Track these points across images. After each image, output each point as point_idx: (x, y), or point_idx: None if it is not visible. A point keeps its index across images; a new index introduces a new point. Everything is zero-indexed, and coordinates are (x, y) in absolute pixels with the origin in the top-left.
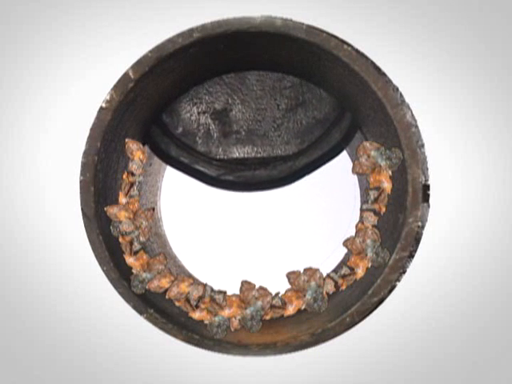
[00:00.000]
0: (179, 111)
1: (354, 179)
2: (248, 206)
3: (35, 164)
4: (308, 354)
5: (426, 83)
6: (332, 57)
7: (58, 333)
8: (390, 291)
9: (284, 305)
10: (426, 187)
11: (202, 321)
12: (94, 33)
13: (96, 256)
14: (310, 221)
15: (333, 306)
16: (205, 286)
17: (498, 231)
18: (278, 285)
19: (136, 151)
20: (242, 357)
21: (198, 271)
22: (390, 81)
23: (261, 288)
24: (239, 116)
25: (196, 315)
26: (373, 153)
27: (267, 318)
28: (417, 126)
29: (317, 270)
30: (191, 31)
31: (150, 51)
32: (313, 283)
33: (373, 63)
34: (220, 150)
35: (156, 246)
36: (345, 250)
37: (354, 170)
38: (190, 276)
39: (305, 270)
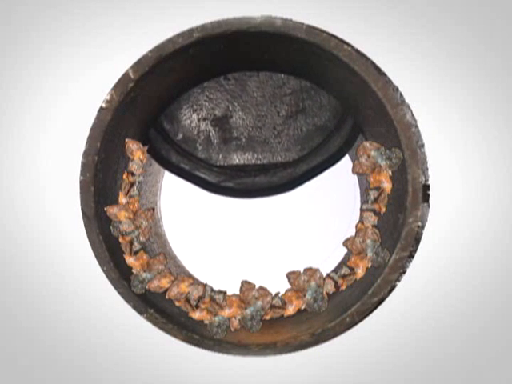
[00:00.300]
0: (179, 118)
1: (354, 179)
2: (248, 205)
3: (35, 164)
4: (308, 353)
5: (426, 83)
6: (332, 57)
7: (58, 333)
8: (390, 291)
9: (284, 305)
10: (426, 187)
11: (202, 321)
12: (93, 33)
13: (96, 256)
14: (309, 221)
15: (333, 306)
16: (205, 286)
17: (498, 231)
18: (278, 285)
19: (136, 151)
20: (241, 357)
21: (198, 271)
22: (389, 81)
23: (261, 288)
24: (239, 123)
25: (196, 315)
26: (373, 153)
27: (267, 317)
28: (417, 126)
29: (317, 270)
30: (191, 31)
31: (150, 51)
32: (313, 283)
33: (373, 63)
34: (220, 156)
35: (156, 246)
36: (345, 250)
37: (353, 170)
38: (189, 276)
39: (305, 270)
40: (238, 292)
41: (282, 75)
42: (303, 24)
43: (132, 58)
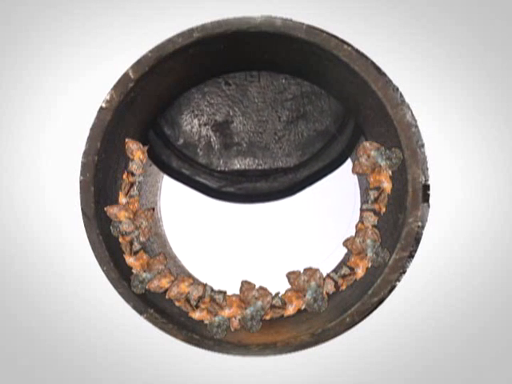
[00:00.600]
0: (180, 123)
1: (354, 179)
2: (249, 206)
3: (35, 164)
4: (308, 353)
5: (426, 83)
6: (332, 57)
7: (58, 333)
8: (390, 291)
9: (284, 305)
10: (426, 187)
11: (201, 321)
12: (94, 33)
13: (96, 256)
14: (310, 220)
15: (333, 305)
16: (205, 286)
17: (498, 231)
18: (278, 285)
19: (136, 151)
20: (241, 357)
21: (198, 271)
22: (390, 81)
23: (261, 288)
24: (240, 128)
25: (196, 315)
26: (373, 153)
27: (267, 317)
28: (417, 126)
29: (317, 270)
30: (191, 31)
31: (150, 51)
32: (313, 283)
33: (373, 63)
34: (221, 161)
35: (156, 246)
36: (345, 250)
37: (354, 170)
38: (189, 276)
39: (305, 270)
40: (238, 292)
41: (283, 80)
42: (303, 24)
43: (132, 58)
